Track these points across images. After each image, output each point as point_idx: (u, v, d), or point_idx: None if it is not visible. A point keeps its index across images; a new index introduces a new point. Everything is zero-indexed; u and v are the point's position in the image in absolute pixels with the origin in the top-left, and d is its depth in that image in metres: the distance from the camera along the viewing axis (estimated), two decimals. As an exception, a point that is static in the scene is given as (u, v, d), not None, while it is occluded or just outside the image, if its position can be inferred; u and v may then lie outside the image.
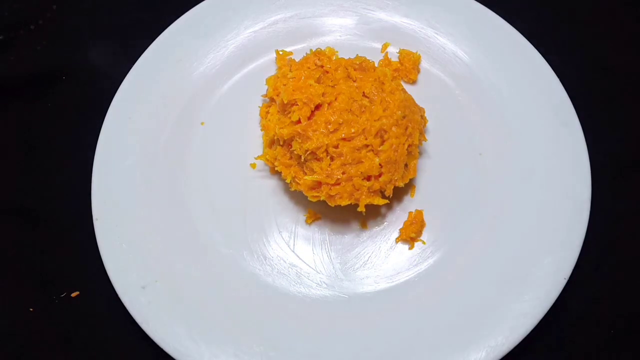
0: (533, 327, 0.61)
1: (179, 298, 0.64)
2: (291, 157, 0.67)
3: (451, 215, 0.69)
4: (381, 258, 0.68)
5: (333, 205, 0.65)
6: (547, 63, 0.74)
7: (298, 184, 0.66)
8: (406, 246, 0.68)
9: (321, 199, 0.64)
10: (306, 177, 0.64)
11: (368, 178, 0.64)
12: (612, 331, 0.66)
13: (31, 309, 0.69)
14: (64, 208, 0.74)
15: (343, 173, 0.63)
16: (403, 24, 0.79)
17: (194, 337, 0.61)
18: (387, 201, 0.66)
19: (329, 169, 0.63)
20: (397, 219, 0.70)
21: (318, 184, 0.64)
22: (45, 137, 0.79)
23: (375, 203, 0.65)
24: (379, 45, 0.78)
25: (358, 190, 0.64)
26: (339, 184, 0.63)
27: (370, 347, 0.61)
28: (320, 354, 0.61)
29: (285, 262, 0.68)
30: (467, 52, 0.77)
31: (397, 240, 0.68)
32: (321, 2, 0.81)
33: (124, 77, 0.76)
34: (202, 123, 0.76)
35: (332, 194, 0.64)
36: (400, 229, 0.68)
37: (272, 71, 0.77)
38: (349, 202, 0.64)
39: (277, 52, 0.78)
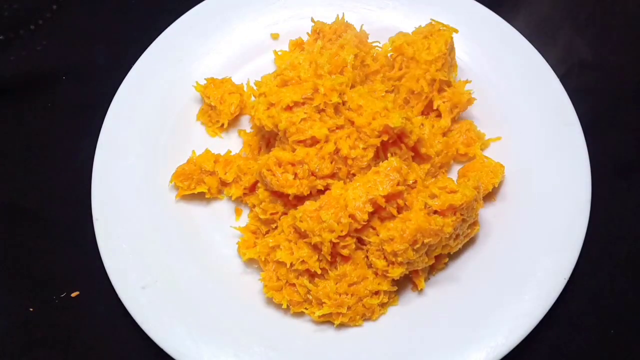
0: (533, 327, 0.61)
1: (179, 298, 0.64)
2: (278, 277, 0.63)
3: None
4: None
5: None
6: (547, 63, 0.74)
7: (301, 307, 0.63)
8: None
9: (335, 325, 0.62)
10: (317, 313, 0.61)
11: (377, 292, 0.62)
12: (612, 331, 0.66)
13: (31, 309, 0.69)
14: (64, 208, 0.74)
15: (351, 295, 0.61)
16: (403, 24, 0.79)
17: (194, 337, 0.61)
18: (397, 303, 0.64)
19: (336, 296, 0.61)
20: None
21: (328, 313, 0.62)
22: (45, 137, 0.79)
23: (386, 312, 0.64)
24: (379, 46, 0.78)
25: (369, 309, 0.62)
26: (349, 308, 0.62)
27: (370, 348, 0.61)
28: (320, 354, 0.61)
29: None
30: (467, 52, 0.77)
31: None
32: (321, 2, 0.81)
33: (124, 77, 0.76)
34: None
35: (345, 320, 0.62)
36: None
37: (272, 71, 0.77)
38: (362, 322, 0.62)
39: (275, 52, 0.78)
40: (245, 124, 0.76)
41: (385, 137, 0.63)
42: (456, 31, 0.71)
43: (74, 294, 0.69)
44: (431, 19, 0.72)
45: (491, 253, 0.66)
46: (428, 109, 0.72)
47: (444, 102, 0.70)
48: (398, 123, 0.62)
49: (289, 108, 0.64)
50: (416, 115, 0.70)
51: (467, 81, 0.72)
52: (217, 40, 0.80)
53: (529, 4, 0.87)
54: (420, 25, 0.73)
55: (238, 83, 0.77)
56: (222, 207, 0.71)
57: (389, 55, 0.74)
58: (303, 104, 0.64)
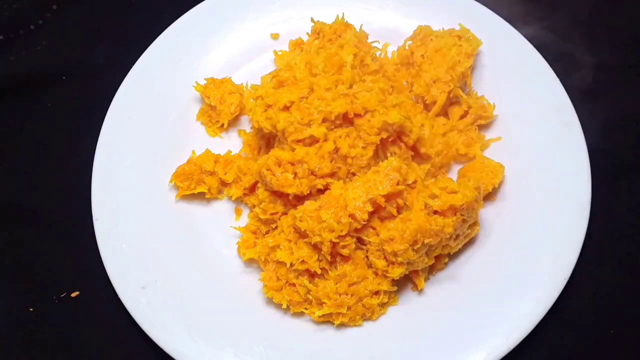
0: (533, 327, 0.61)
1: (179, 298, 0.64)
2: (278, 277, 0.63)
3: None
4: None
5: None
6: (547, 63, 0.74)
7: (301, 307, 0.63)
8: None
9: (335, 325, 0.62)
10: (317, 313, 0.61)
11: (377, 292, 0.62)
12: (612, 331, 0.66)
13: (31, 309, 0.69)
14: (64, 208, 0.74)
15: (352, 295, 0.61)
16: (403, 24, 0.79)
17: (194, 337, 0.61)
18: (397, 303, 0.64)
19: (336, 296, 0.61)
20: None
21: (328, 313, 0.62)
22: (45, 137, 0.79)
23: (386, 312, 0.63)
24: (379, 46, 0.78)
25: (369, 309, 0.62)
26: (350, 308, 0.61)
27: (370, 348, 0.61)
28: (320, 354, 0.61)
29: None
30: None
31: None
32: (321, 2, 0.81)
33: (124, 77, 0.76)
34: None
35: (345, 320, 0.62)
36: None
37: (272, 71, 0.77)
38: (363, 322, 0.62)
39: (275, 52, 0.78)
40: (245, 124, 0.76)
41: (384, 135, 0.63)
42: (481, 43, 0.72)
43: (74, 294, 0.69)
44: (459, 24, 0.73)
45: (491, 253, 0.66)
46: (430, 106, 0.72)
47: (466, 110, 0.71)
48: (396, 119, 0.62)
49: (286, 108, 0.64)
50: (435, 114, 0.71)
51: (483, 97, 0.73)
52: (217, 40, 0.80)
53: (529, 4, 0.87)
54: (419, 25, 0.74)
55: (238, 83, 0.77)
56: (222, 207, 0.71)
57: (406, 45, 0.74)
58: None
